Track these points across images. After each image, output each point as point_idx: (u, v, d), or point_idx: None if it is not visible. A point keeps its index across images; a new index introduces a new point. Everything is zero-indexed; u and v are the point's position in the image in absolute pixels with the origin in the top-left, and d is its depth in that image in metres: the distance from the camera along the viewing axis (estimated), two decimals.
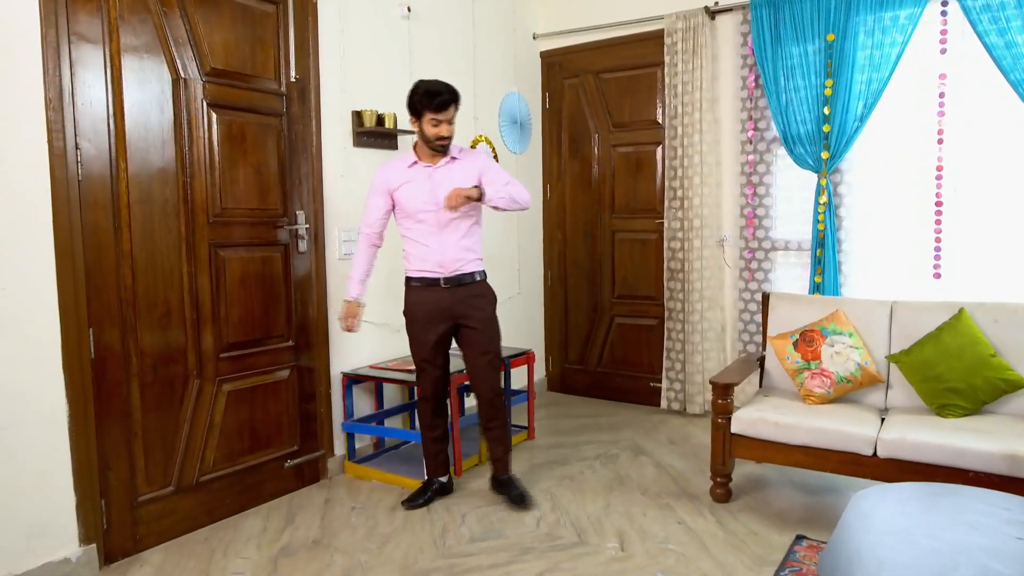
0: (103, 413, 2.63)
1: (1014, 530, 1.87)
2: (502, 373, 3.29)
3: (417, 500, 3.17)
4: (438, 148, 2.99)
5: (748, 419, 3.04)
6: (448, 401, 3.26)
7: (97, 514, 2.61)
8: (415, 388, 3.38)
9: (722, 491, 3.15)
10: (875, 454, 2.80)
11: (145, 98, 2.72)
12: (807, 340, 3.30)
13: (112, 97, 2.62)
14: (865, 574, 1.68)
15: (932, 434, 2.73)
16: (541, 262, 5.08)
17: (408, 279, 3.10)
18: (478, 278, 3.09)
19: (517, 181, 3.09)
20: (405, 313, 3.12)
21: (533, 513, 3.07)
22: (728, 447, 3.10)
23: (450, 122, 2.95)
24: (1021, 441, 2.63)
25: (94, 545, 2.60)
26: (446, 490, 3.27)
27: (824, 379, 3.21)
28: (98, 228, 2.60)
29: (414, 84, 2.98)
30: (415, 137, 3.06)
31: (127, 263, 2.69)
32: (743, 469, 3.51)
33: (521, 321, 4.87)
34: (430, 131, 2.94)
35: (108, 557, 2.66)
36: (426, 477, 3.25)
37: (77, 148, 2.51)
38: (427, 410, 3.18)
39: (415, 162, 3.03)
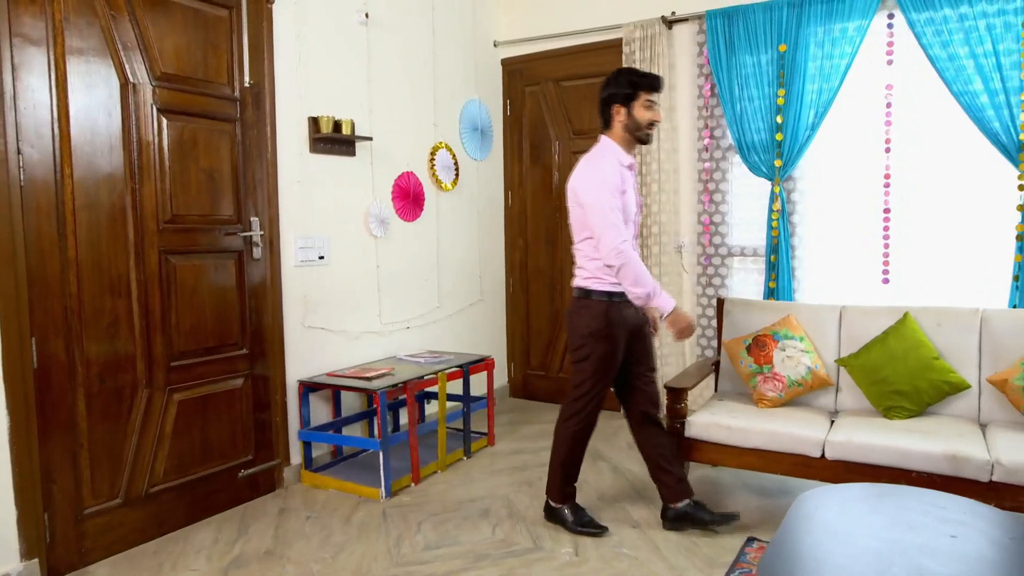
0: (47, 424, 2.57)
1: (949, 528, 1.92)
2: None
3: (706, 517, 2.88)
4: (647, 137, 2.79)
5: (701, 423, 3.08)
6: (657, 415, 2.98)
7: (40, 528, 2.54)
8: (372, 397, 3.35)
9: None
10: (823, 456, 2.85)
11: (92, 102, 2.67)
12: (759, 345, 3.36)
13: (57, 101, 2.57)
14: (803, 574, 1.71)
15: (878, 436, 2.80)
16: (503, 268, 5.09)
17: (608, 294, 2.74)
18: None
19: None
20: (603, 333, 2.74)
21: (489, 520, 3.07)
22: (682, 451, 3.13)
23: (658, 107, 2.80)
24: (962, 441, 2.71)
25: (36, 560, 2.53)
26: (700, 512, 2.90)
27: (776, 383, 3.27)
28: (42, 234, 2.54)
29: (613, 72, 2.83)
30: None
31: (72, 270, 2.63)
32: (699, 472, 3.56)
33: (483, 327, 4.88)
34: (644, 115, 2.73)
35: (52, 572, 2.59)
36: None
37: (19, 153, 2.46)
38: (588, 438, 2.96)
39: (632, 163, 2.81)
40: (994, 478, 2.58)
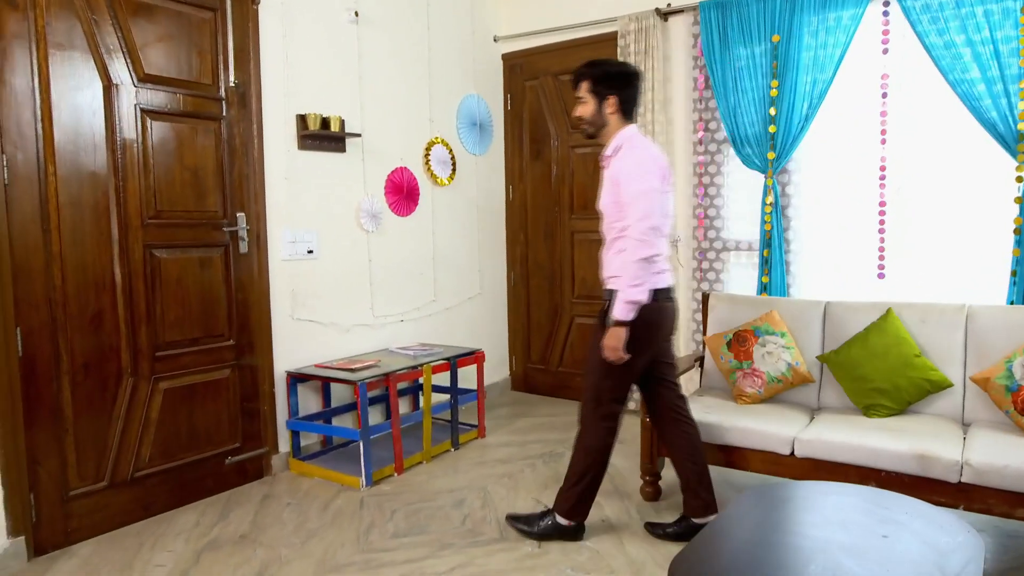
0: (32, 410, 2.71)
1: (883, 528, 1.89)
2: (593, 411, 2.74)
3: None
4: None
5: None
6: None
7: (26, 508, 2.69)
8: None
9: (651, 489, 3.18)
10: (793, 454, 2.81)
11: (75, 104, 2.80)
12: (740, 340, 3.32)
13: (40, 103, 2.69)
14: (712, 572, 1.71)
15: (848, 434, 2.74)
16: (503, 262, 5.12)
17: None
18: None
19: (640, 217, 2.51)
20: None
21: (462, 510, 3.12)
22: (656, 446, 3.13)
23: (581, 101, 2.68)
24: (935, 441, 2.64)
25: (23, 537, 2.68)
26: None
27: (756, 379, 3.23)
28: (26, 231, 2.68)
29: None
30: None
31: (57, 264, 2.77)
32: None
33: (482, 321, 4.92)
34: None
35: (38, 549, 2.74)
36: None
37: (3, 153, 2.59)
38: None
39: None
40: (963, 479, 2.50)
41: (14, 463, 2.65)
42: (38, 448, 2.74)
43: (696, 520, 2.79)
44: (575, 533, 2.81)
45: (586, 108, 2.68)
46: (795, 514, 2.01)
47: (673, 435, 2.84)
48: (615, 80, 2.64)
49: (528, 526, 2.84)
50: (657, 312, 2.64)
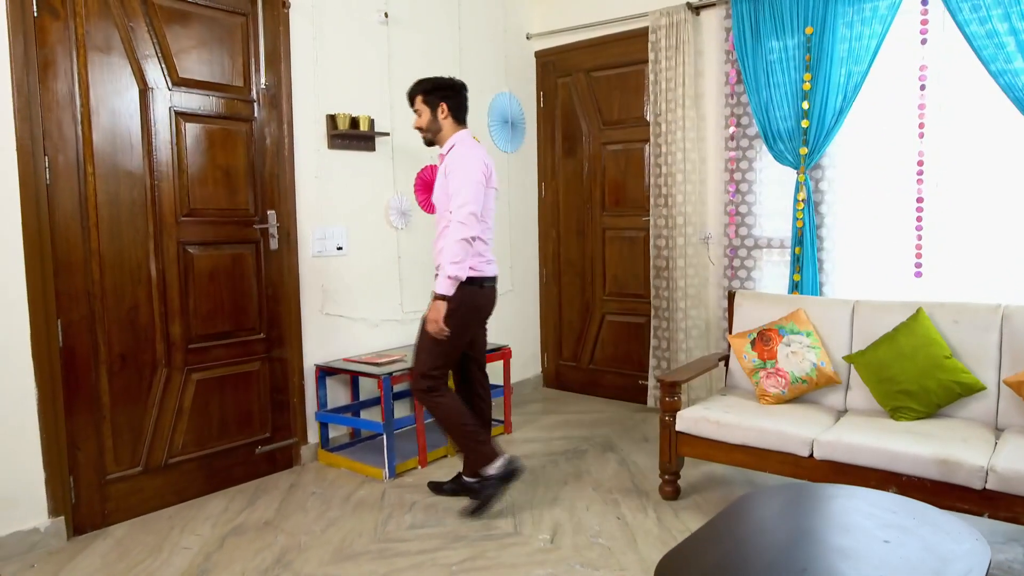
0: (72, 397, 2.87)
1: (886, 533, 1.85)
2: (426, 390, 3.04)
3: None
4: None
5: (691, 418, 3.04)
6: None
7: (65, 489, 2.85)
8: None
9: (670, 489, 3.16)
10: (812, 456, 2.76)
11: (113, 108, 2.94)
12: (764, 339, 3.26)
13: (80, 107, 2.84)
14: (702, 572, 1.70)
15: (869, 437, 2.67)
16: (535, 259, 5.14)
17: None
18: None
19: (462, 203, 2.85)
20: None
21: None
22: (674, 445, 3.10)
23: (417, 113, 3.10)
24: (961, 446, 2.55)
25: (62, 517, 2.84)
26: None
27: (779, 379, 3.17)
28: (66, 228, 2.83)
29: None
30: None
31: (95, 260, 2.92)
32: (706, 468, 3.50)
33: (514, 317, 4.95)
34: None
35: (77, 529, 2.90)
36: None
37: (45, 154, 2.75)
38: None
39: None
40: (988, 486, 2.41)
41: (55, 447, 2.81)
42: (77, 434, 2.89)
43: (467, 479, 3.14)
44: (510, 473, 3.01)
45: (422, 118, 3.06)
46: (797, 517, 1.98)
47: (469, 403, 3.19)
48: (443, 90, 3.03)
49: (482, 504, 3.01)
50: (482, 296, 2.99)
